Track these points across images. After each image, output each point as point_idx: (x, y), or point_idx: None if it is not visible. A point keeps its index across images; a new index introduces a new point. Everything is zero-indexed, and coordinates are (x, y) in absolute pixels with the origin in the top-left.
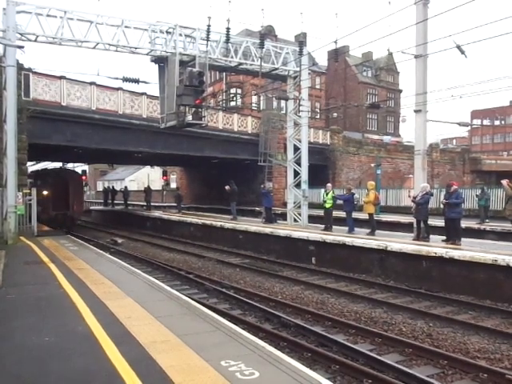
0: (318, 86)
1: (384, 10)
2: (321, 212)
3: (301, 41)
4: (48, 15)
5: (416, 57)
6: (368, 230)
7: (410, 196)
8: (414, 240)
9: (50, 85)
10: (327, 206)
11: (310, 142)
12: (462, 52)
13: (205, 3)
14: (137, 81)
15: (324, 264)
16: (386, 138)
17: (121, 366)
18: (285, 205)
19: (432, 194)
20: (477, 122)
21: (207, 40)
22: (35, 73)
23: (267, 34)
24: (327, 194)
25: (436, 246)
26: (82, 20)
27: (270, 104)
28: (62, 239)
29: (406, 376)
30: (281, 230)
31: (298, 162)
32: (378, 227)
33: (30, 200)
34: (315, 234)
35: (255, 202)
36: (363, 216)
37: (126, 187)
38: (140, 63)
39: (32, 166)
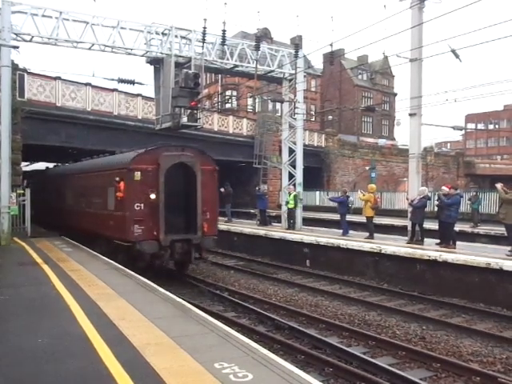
0: (313, 89)
1: (379, 14)
2: (317, 214)
3: (296, 43)
4: (43, 15)
5: (411, 60)
6: (363, 233)
7: (407, 199)
8: (407, 243)
9: (44, 85)
10: (290, 206)
11: (305, 145)
12: (457, 56)
13: (201, 5)
14: (132, 82)
15: (318, 266)
16: (381, 141)
17: (114, 369)
18: (279, 207)
19: (429, 198)
20: (471, 126)
21: (203, 42)
22: (30, 73)
23: (263, 36)
24: (290, 195)
25: (430, 249)
26: (78, 21)
27: (265, 106)
28: (55, 240)
29: (399, 379)
30: (275, 232)
31: (293, 165)
32: None
33: (24, 201)
34: (309, 236)
35: (250, 204)
36: (357, 219)
37: None
38: (135, 64)
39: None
